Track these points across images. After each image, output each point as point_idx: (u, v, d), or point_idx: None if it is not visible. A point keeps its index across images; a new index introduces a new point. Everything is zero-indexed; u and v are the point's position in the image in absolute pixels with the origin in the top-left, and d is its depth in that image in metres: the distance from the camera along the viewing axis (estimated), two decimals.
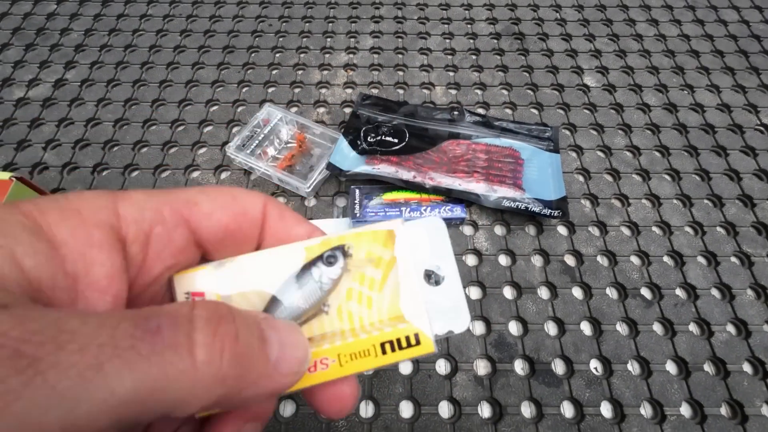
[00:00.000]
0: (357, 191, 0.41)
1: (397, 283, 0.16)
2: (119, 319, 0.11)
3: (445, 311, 0.17)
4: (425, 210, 0.39)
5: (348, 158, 0.42)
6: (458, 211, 0.39)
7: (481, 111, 0.49)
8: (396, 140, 0.43)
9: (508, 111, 0.49)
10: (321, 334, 0.15)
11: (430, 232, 0.17)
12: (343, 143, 0.43)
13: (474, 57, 0.54)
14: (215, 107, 0.49)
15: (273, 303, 0.15)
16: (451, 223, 0.40)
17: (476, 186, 0.40)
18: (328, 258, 0.15)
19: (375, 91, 0.50)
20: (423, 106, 0.47)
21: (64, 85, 0.50)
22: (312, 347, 0.15)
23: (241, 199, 0.16)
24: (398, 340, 0.15)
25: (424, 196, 0.40)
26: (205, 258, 0.16)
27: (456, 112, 0.46)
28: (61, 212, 0.13)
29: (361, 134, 0.44)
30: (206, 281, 0.15)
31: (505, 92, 0.51)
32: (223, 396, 0.11)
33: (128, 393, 0.10)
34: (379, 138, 0.43)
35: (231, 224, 0.15)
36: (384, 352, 0.15)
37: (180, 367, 0.11)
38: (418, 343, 0.15)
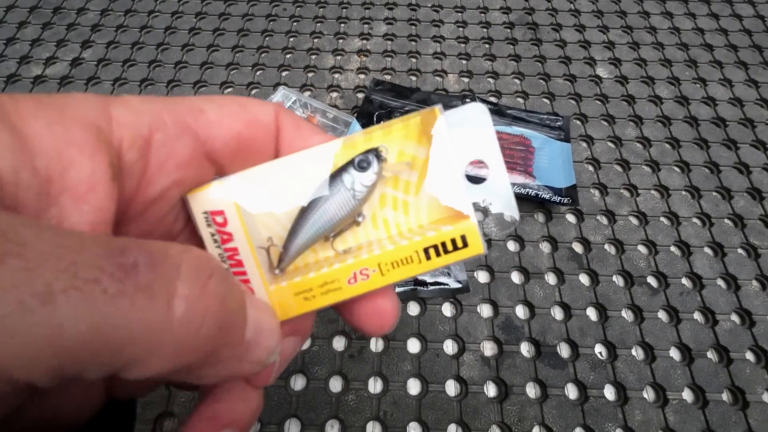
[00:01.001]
0: None
1: (436, 183, 0.14)
2: (87, 242, 0.08)
3: (492, 209, 0.15)
4: None
5: None
6: None
7: (493, 99, 0.49)
8: None
9: (520, 100, 0.49)
10: (357, 245, 0.14)
11: (471, 121, 0.14)
12: (357, 127, 0.43)
13: (487, 46, 0.54)
14: (230, 89, 0.49)
15: (301, 217, 0.14)
16: None
17: None
18: (360, 163, 0.14)
19: (388, 78, 0.51)
20: (435, 93, 0.48)
21: (81, 64, 0.51)
22: (349, 258, 0.14)
23: (251, 106, 0.14)
24: (443, 244, 0.14)
25: None
26: (220, 176, 0.14)
27: (468, 100, 0.46)
28: (39, 104, 0.10)
29: (374, 119, 0.44)
30: (225, 197, 0.13)
31: (517, 81, 0.51)
32: (185, 366, 0.09)
33: (79, 337, 0.07)
34: None
35: (244, 132, 0.13)
36: (428, 257, 0.14)
37: (150, 319, 0.08)
38: (465, 245, 0.14)
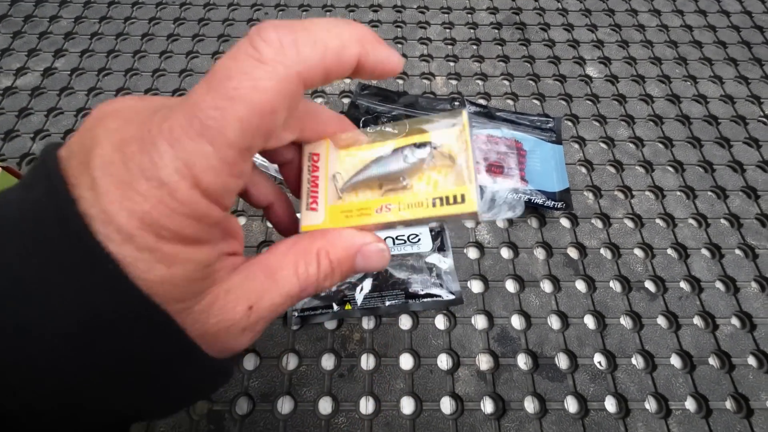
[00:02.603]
0: None
1: (460, 170, 0.19)
2: None
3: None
4: None
5: None
6: None
7: (482, 102, 0.48)
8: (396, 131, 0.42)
9: (510, 102, 0.48)
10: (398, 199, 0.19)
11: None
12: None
13: (475, 47, 0.53)
14: None
15: (367, 165, 0.20)
16: None
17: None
18: (419, 144, 0.19)
19: (374, 81, 0.49)
20: (423, 97, 0.46)
21: (53, 74, 0.49)
22: (381, 195, 0.20)
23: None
24: (447, 198, 0.18)
25: None
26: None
27: (457, 103, 0.45)
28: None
29: (361, 124, 0.43)
30: (322, 145, 0.21)
31: (506, 83, 0.50)
32: None
33: None
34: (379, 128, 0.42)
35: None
36: (434, 205, 0.18)
37: None
38: (463, 201, 0.18)
